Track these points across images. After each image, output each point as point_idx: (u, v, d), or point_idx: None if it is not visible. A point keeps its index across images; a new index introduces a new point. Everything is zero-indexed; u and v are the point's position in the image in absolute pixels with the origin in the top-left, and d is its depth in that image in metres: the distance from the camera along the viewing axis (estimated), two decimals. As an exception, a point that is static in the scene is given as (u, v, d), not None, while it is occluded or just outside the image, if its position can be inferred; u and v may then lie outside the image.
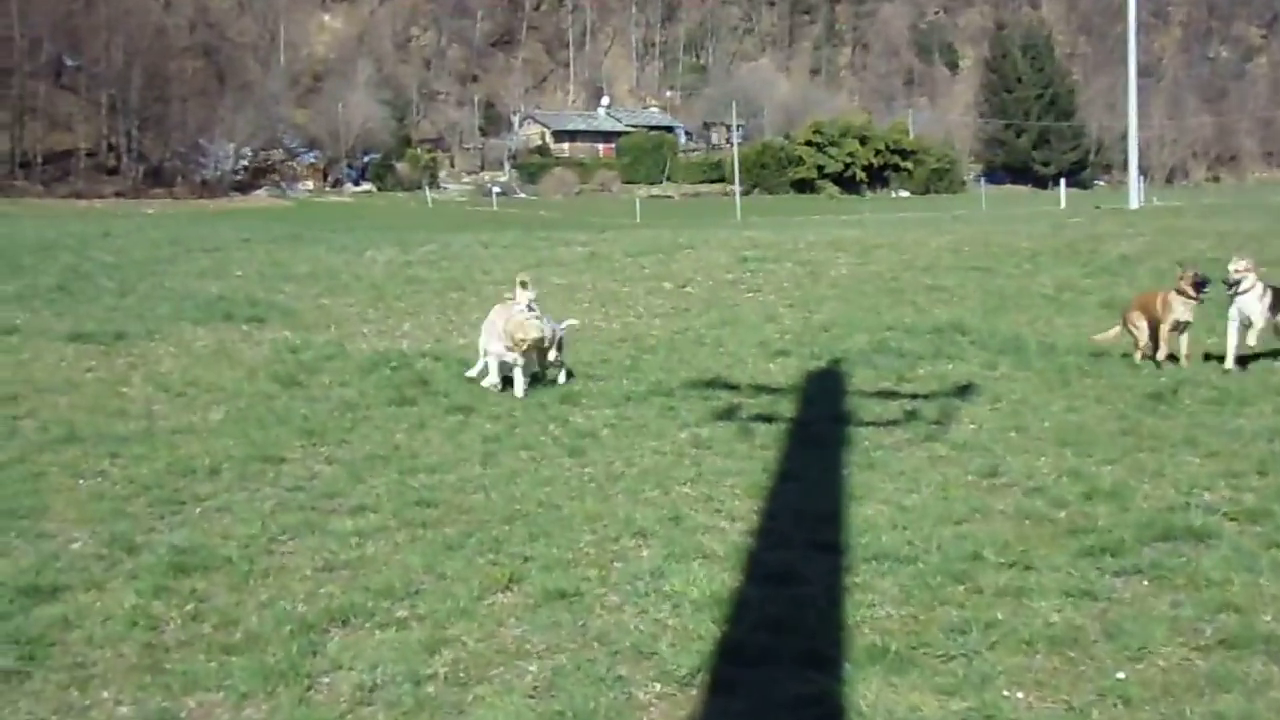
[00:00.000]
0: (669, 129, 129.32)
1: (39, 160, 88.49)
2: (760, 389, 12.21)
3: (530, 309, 12.08)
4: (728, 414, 10.97)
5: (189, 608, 6.25)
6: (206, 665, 5.58)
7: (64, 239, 29.58)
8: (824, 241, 26.09)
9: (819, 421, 10.72)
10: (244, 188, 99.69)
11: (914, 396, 11.68)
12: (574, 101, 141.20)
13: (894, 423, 10.54)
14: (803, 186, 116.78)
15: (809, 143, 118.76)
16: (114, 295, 18.89)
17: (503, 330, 11.86)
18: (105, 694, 5.34)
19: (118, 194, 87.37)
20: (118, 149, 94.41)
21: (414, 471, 9.13)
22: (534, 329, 11.84)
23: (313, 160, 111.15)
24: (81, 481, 8.82)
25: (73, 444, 9.85)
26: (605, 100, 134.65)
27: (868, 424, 10.52)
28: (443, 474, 9.07)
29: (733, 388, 12.28)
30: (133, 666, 5.60)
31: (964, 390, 11.85)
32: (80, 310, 17.09)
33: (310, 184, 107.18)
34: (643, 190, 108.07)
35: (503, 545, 7.27)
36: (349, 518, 7.91)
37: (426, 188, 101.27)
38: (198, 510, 8.13)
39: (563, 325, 12.87)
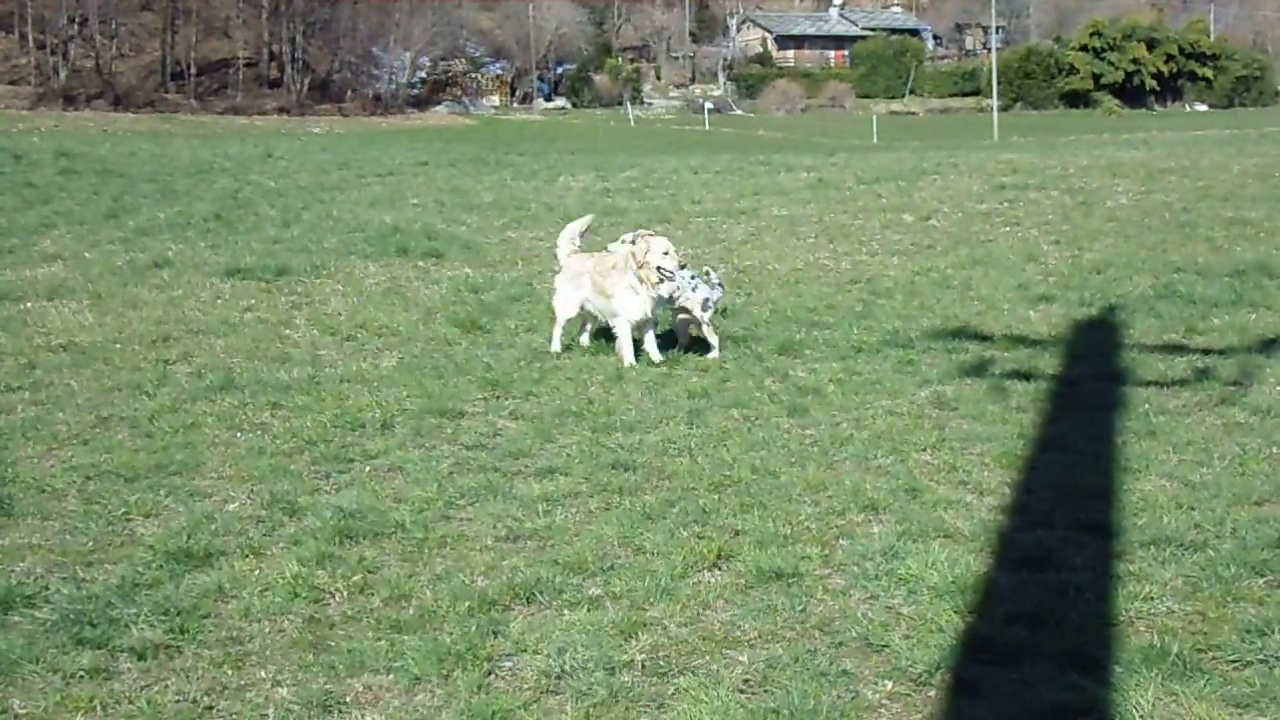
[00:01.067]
0: (913, 32, 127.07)
1: (193, 71, 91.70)
2: (1017, 341, 12.02)
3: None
4: (977, 370, 10.84)
5: (356, 579, 6.50)
6: (375, 644, 5.79)
7: (221, 161, 30.84)
8: (1099, 165, 25.42)
9: (1088, 380, 10.50)
10: (421, 103, 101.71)
11: (1206, 352, 11.33)
12: (801, 2, 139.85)
13: (1181, 383, 10.27)
14: (1075, 100, 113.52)
15: (1084, 47, 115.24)
16: (276, 225, 19.62)
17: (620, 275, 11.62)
18: (262, 673, 5.60)
19: (280, 110, 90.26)
20: (280, 58, 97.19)
21: (609, 430, 9.29)
22: (670, 254, 11.54)
23: (499, 72, 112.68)
24: (239, 435, 9.23)
25: (230, 392, 10.31)
26: (838, 0, 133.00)
27: (1148, 384, 10.27)
28: (642, 433, 9.21)
29: (984, 339, 12.12)
30: (293, 643, 5.86)
31: (1269, 345, 11.45)
32: (239, 242, 17.81)
33: (496, 99, 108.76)
34: (881, 105, 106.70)
35: (710, 516, 7.35)
36: (535, 481, 8.10)
37: (628, 104, 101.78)
38: (367, 469, 8.43)
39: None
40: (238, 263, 15.91)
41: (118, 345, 11.95)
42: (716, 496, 7.73)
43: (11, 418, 9.55)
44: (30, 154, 30.26)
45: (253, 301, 14.10)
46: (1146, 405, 9.63)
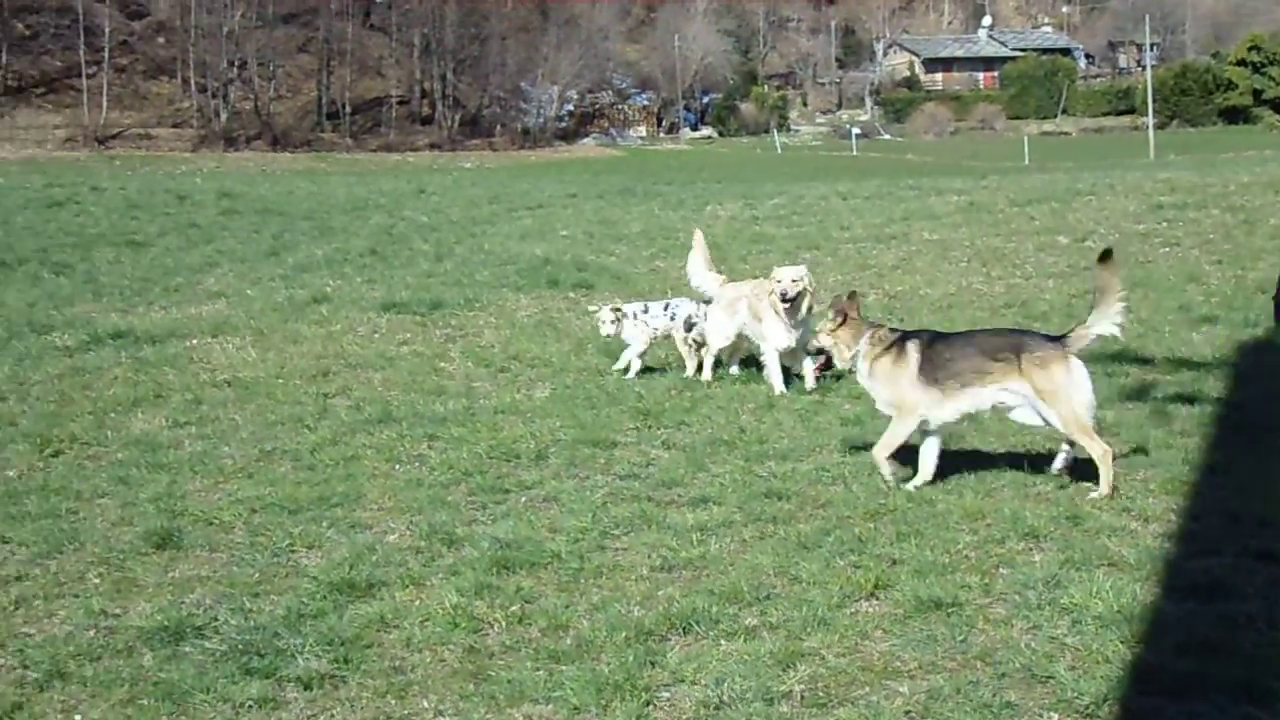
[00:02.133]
0: (1065, 52, 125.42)
1: (347, 110, 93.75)
2: (1180, 363, 11.76)
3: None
4: (1139, 393, 10.62)
5: (514, 609, 6.55)
6: (534, 674, 5.83)
7: (375, 198, 31.44)
8: (1261, 182, 24.77)
9: (1254, 403, 10.25)
10: (569, 136, 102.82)
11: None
12: (949, 24, 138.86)
13: (1354, 405, 9.96)
14: (1234, 116, 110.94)
15: (1242, 62, 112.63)
16: (429, 259, 19.93)
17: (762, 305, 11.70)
18: (425, 702, 5.66)
19: (432, 146, 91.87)
20: (431, 96, 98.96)
21: (762, 459, 9.27)
22: (798, 281, 11.57)
23: (645, 103, 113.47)
24: (398, 467, 9.37)
25: (388, 425, 10.49)
26: (987, 20, 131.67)
27: (1319, 407, 9.98)
28: (795, 462, 9.18)
29: (1145, 362, 11.86)
30: (454, 672, 5.92)
31: None
32: (394, 277, 18.12)
33: (642, 130, 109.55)
34: (1032, 126, 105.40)
35: (866, 545, 7.29)
36: (689, 510, 8.10)
37: (775, 131, 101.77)
38: (522, 499, 8.50)
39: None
40: (393, 297, 16.19)
41: (279, 380, 12.22)
42: (872, 525, 7.67)
43: (180, 452, 9.81)
44: (194, 195, 31.17)
45: (408, 335, 14.33)
46: (1317, 428, 9.36)
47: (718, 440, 9.83)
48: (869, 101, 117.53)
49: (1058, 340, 8.57)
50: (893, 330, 9.01)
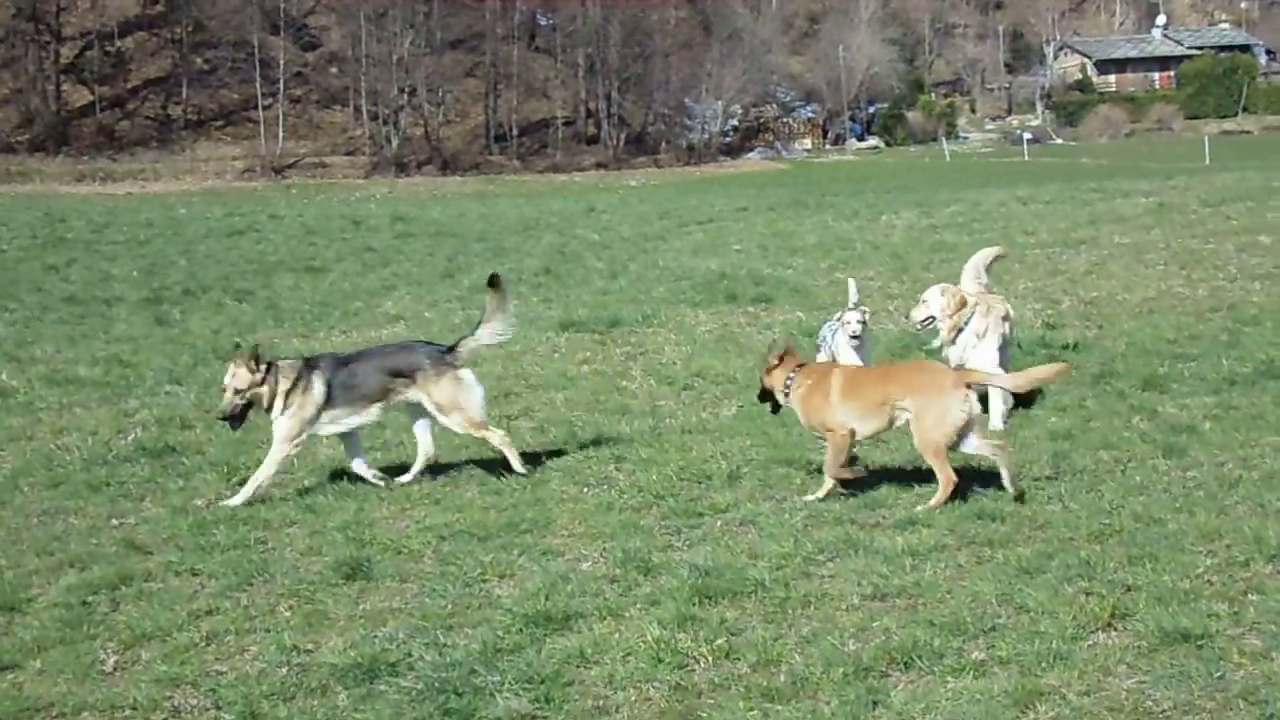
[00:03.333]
0: (1244, 48, 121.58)
1: (514, 132, 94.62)
2: None
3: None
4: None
5: (719, 642, 6.16)
6: (747, 713, 5.46)
7: (546, 217, 31.42)
8: None
9: None
10: (733, 151, 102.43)
11: None
12: (1121, 24, 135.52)
13: None
14: None
15: None
16: (604, 277, 19.70)
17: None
18: (634, 745, 5.30)
19: (598, 165, 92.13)
20: (596, 115, 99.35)
21: (969, 476, 8.73)
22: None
23: (810, 115, 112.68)
24: (586, 490, 9.05)
25: (574, 447, 10.18)
26: (1161, 19, 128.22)
27: None
28: (1005, 479, 8.64)
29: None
30: (661, 712, 5.57)
31: None
32: (569, 295, 17.90)
33: (808, 142, 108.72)
34: (1211, 126, 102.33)
35: (1095, 570, 6.75)
36: (897, 533, 7.65)
37: (943, 139, 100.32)
38: (718, 523, 8.11)
39: None
40: (570, 316, 15.93)
41: (462, 402, 11.99)
42: (1098, 547, 7.13)
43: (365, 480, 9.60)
44: (368, 220, 31.48)
45: (588, 354, 14.04)
46: None
47: (918, 457, 9.32)
48: (1040, 106, 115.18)
49: (450, 352, 9.67)
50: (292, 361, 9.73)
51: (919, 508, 8.10)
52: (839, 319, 11.40)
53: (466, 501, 8.88)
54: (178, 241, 27.34)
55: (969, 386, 8.49)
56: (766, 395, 9.18)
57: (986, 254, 11.91)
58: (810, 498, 8.51)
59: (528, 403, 11.93)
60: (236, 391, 9.34)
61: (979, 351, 10.57)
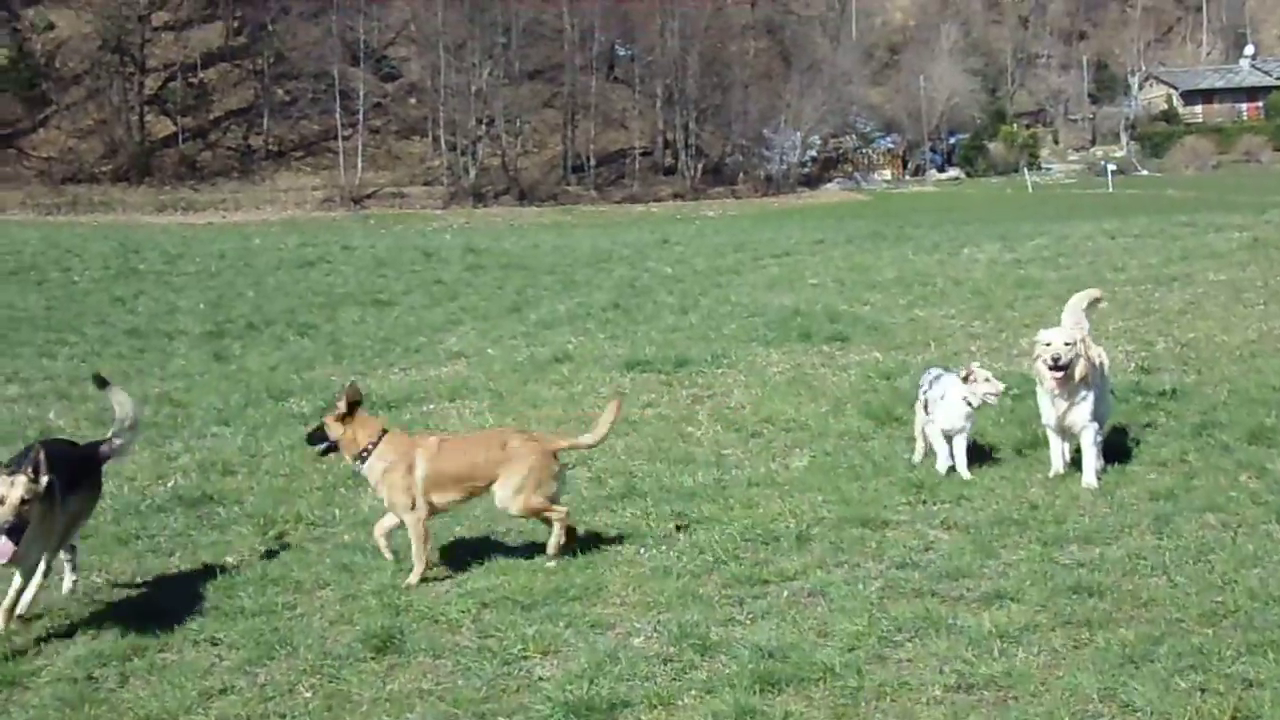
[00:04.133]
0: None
1: (592, 163, 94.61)
2: None
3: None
4: None
5: (782, 739, 5.43)
6: (813, 833, 4.72)
7: (619, 249, 30.80)
8: None
9: None
10: (812, 181, 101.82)
11: None
12: (1208, 54, 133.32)
13: None
14: None
15: None
16: (674, 312, 19.01)
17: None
18: None
19: (675, 195, 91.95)
20: (674, 145, 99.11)
21: (1061, 543, 7.98)
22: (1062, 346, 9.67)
23: (890, 146, 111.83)
24: (642, 551, 8.35)
25: (631, 500, 9.50)
26: (1249, 49, 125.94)
27: None
28: (1102, 546, 7.89)
29: None
30: (713, 828, 4.84)
31: None
32: (637, 332, 17.21)
33: (888, 173, 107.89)
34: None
35: (1209, 660, 5.97)
36: (984, 609, 6.89)
37: (1025, 170, 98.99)
38: (784, 594, 7.38)
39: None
40: (637, 355, 15.21)
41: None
42: (1211, 631, 6.34)
43: (406, 533, 8.93)
44: (440, 251, 31.04)
45: (653, 396, 13.33)
46: None
47: (1005, 519, 8.53)
48: (1124, 137, 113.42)
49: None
50: None
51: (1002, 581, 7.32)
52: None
53: (512, 564, 8.17)
54: (249, 273, 26.97)
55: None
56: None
57: (1085, 296, 10.91)
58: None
59: (595, 450, 11.24)
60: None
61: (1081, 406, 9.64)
